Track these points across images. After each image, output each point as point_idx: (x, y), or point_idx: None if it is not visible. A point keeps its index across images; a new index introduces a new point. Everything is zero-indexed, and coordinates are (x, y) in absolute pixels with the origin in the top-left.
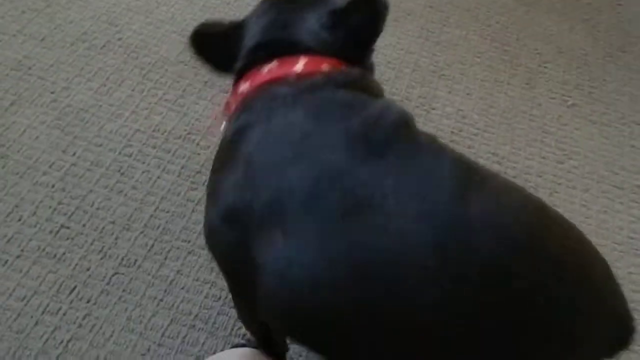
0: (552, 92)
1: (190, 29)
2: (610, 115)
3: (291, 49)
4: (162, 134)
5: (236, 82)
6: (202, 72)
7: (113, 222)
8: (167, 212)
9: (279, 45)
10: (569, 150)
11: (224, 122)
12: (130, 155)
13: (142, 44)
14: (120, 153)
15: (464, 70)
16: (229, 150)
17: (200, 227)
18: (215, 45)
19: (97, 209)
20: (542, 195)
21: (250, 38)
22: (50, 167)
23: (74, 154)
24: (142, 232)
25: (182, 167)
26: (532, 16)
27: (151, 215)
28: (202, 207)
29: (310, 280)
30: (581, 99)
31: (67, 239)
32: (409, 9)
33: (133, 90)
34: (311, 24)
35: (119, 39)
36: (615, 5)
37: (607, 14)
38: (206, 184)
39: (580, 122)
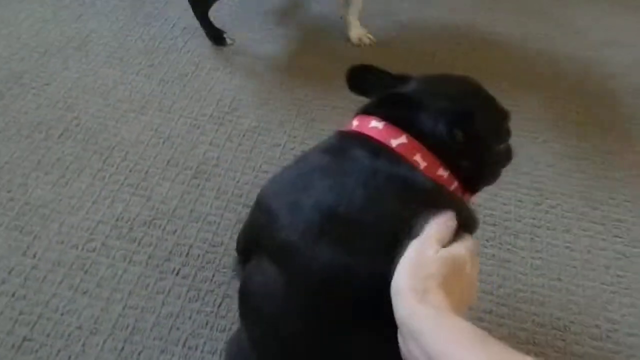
0: (522, 131)
1: (149, 106)
2: (583, 147)
3: (407, 121)
4: (126, 222)
5: (363, 114)
6: (164, 151)
7: (79, 327)
8: (136, 308)
9: (403, 110)
10: (544, 189)
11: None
12: (94, 250)
13: (100, 127)
14: (83, 249)
15: None
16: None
17: (172, 321)
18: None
19: (62, 314)
20: (523, 241)
21: (397, 89)
22: (9, 273)
23: (35, 255)
24: (110, 335)
25: (149, 257)
26: (495, 55)
27: (119, 315)
28: (172, 299)
29: None
30: (552, 134)
31: (31, 352)
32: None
33: (94, 178)
34: (439, 113)
35: (77, 125)
36: (573, 34)
37: (564, 43)
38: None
39: (553, 158)
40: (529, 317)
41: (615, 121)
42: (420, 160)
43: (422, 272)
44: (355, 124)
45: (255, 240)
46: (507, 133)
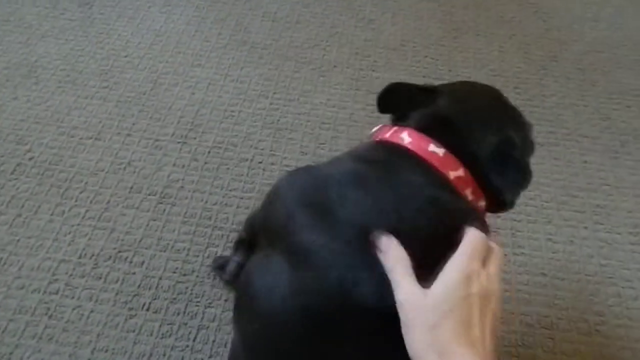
0: None
1: (106, 130)
2: (557, 133)
3: (461, 149)
4: (90, 258)
5: (397, 125)
6: (126, 177)
7: None
8: (106, 351)
9: (456, 136)
10: None
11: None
12: (57, 292)
13: (56, 158)
14: (45, 292)
15: None
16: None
17: None
18: (399, 96)
19: None
20: (505, 238)
21: (440, 109)
22: None
23: None
24: None
25: (117, 293)
26: (460, 43)
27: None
28: (144, 337)
29: None
30: None
31: None
32: (334, 60)
33: (52, 214)
34: (488, 144)
35: (31, 158)
36: (541, 14)
37: (533, 26)
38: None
39: None
40: (516, 317)
41: (589, 103)
42: (469, 194)
43: (425, 326)
44: (407, 139)
45: (266, 234)
46: (533, 147)
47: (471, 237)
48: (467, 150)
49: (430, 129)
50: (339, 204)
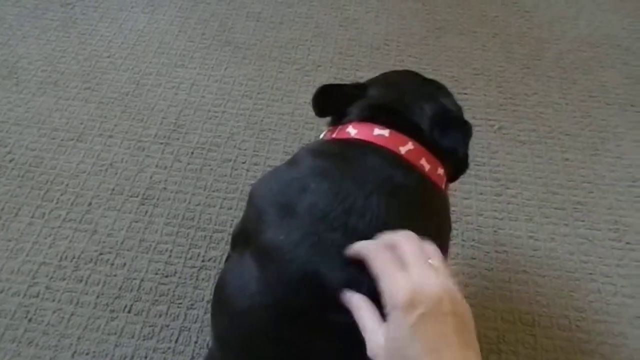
0: (477, 119)
1: (87, 132)
2: (538, 130)
3: (404, 126)
4: (71, 260)
5: (344, 122)
6: (107, 179)
7: None
8: (87, 354)
9: (396, 116)
10: (504, 179)
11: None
12: (38, 295)
13: (36, 160)
14: (25, 295)
15: None
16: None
17: None
18: (332, 97)
19: None
20: (487, 236)
21: (374, 98)
22: None
23: None
24: None
25: (98, 296)
26: (444, 42)
27: None
28: (125, 339)
29: None
30: (506, 120)
31: None
32: (318, 60)
33: (32, 216)
34: (426, 114)
35: (11, 160)
36: (523, 12)
37: (516, 24)
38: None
39: (509, 145)
40: (497, 315)
41: (570, 101)
42: (425, 163)
43: None
44: (353, 132)
45: (245, 235)
46: (461, 110)
47: (376, 261)
48: (410, 125)
49: (370, 116)
50: (300, 198)
